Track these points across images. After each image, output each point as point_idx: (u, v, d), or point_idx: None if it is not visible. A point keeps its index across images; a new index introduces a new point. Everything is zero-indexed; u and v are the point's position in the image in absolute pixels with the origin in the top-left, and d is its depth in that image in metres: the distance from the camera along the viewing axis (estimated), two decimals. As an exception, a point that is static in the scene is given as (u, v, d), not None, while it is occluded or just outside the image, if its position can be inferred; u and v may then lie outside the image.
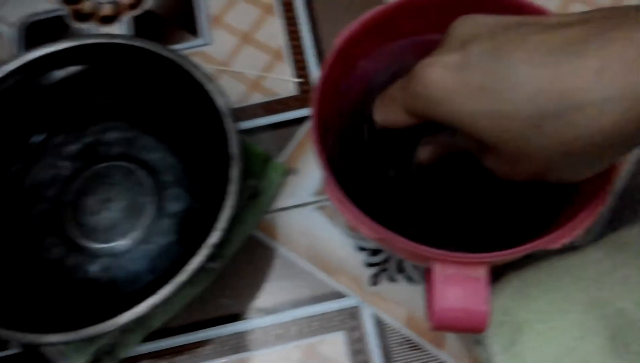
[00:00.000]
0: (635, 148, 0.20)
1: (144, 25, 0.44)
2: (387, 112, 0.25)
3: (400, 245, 0.25)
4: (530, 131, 0.19)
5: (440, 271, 0.25)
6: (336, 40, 0.29)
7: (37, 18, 0.45)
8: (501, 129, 0.20)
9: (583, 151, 0.19)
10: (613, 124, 0.18)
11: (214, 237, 0.29)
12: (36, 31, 0.45)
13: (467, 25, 0.22)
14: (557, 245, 0.25)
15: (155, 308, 0.28)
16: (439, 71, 0.21)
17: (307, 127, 0.39)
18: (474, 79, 0.20)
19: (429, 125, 0.25)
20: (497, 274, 0.32)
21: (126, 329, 0.33)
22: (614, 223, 0.34)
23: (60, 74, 0.36)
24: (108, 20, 0.45)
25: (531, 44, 0.19)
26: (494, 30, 0.21)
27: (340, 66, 0.30)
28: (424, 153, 0.29)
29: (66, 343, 0.29)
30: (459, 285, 0.25)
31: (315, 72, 0.41)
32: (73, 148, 0.38)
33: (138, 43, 0.34)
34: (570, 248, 0.33)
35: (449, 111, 0.21)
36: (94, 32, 0.44)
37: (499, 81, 0.20)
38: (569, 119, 0.19)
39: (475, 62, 0.20)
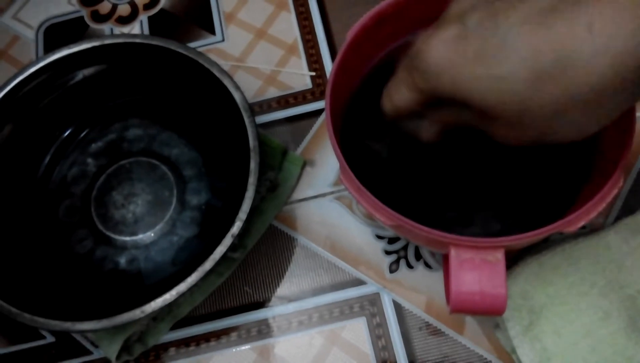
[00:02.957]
0: (631, 102, 0.20)
1: (159, 24, 0.45)
2: (392, 95, 0.26)
3: (417, 231, 0.26)
4: (529, 91, 0.20)
5: (456, 255, 0.25)
6: (348, 33, 0.30)
7: (56, 21, 0.47)
8: (500, 92, 0.21)
9: (579, 106, 0.20)
10: (604, 78, 0.19)
11: (236, 227, 0.30)
12: (55, 33, 0.46)
13: (462, 1, 0.23)
14: (573, 228, 0.25)
15: (182, 295, 0.29)
16: (438, 44, 0.22)
17: (322, 120, 0.40)
18: (472, 47, 0.21)
19: None
20: (515, 258, 0.32)
21: (155, 317, 0.34)
22: (630, 206, 0.35)
23: (83, 73, 0.37)
24: (125, 20, 0.46)
25: (525, 8, 0.20)
26: (488, 1, 0.21)
27: (355, 57, 0.31)
28: (426, 129, 0.27)
29: (99, 330, 0.30)
30: (476, 269, 0.25)
31: (329, 65, 0.42)
32: (98, 145, 0.39)
33: (157, 42, 0.35)
34: (587, 232, 0.33)
35: (449, 81, 0.22)
36: (112, 33, 0.45)
37: (496, 46, 0.20)
38: (564, 76, 0.19)
39: (472, 32, 0.21)
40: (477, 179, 0.32)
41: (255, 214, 0.36)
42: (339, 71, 0.29)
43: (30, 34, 0.46)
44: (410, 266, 0.35)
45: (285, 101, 0.41)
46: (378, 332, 0.34)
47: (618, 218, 0.33)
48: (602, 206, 0.26)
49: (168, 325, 0.35)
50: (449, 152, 0.32)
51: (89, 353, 0.36)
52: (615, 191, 0.26)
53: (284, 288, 0.36)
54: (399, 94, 0.25)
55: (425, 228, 0.26)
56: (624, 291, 0.30)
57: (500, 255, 0.25)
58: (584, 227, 0.34)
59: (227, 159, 0.36)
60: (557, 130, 0.21)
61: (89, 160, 0.39)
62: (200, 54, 0.35)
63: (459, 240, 0.25)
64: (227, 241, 0.30)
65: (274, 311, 0.35)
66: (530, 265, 0.31)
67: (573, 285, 0.30)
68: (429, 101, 0.24)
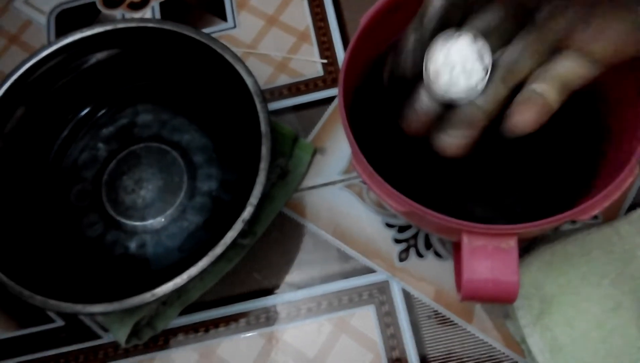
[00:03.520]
0: None
1: (170, 10, 0.45)
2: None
3: (429, 217, 0.26)
4: None
5: (468, 242, 0.25)
6: (362, 18, 0.30)
7: (67, 6, 0.46)
8: None
9: None
10: None
11: (247, 212, 0.30)
12: (67, 19, 0.46)
13: None
14: (586, 217, 0.25)
15: (192, 280, 0.29)
16: None
17: (333, 107, 0.40)
18: None
19: None
20: (527, 247, 0.32)
21: (165, 302, 0.34)
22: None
23: (96, 57, 0.37)
24: (136, 6, 0.46)
25: None
26: None
27: (369, 43, 0.30)
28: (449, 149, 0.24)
29: (110, 313, 0.30)
30: (488, 256, 0.25)
31: (340, 52, 0.41)
32: (109, 129, 0.39)
33: (169, 26, 0.35)
34: (600, 222, 0.33)
35: None
36: (125, 18, 0.45)
37: None
38: None
39: None
40: (491, 167, 0.32)
41: (266, 201, 0.36)
42: (352, 57, 0.29)
43: (42, 19, 0.46)
44: (420, 254, 0.35)
45: (296, 89, 0.41)
46: (387, 320, 0.34)
47: (632, 208, 0.33)
48: (616, 195, 0.25)
49: (177, 310, 0.35)
50: None
51: (98, 337, 0.36)
52: (629, 181, 0.25)
53: (293, 275, 0.36)
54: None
55: (438, 215, 0.25)
56: (636, 282, 0.30)
57: (513, 242, 0.25)
58: (596, 217, 0.34)
59: (238, 145, 0.36)
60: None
61: (100, 145, 0.39)
62: (212, 39, 0.34)
63: (472, 226, 0.25)
64: (237, 226, 0.30)
65: (283, 298, 0.35)
66: (542, 254, 0.31)
67: (585, 275, 0.30)
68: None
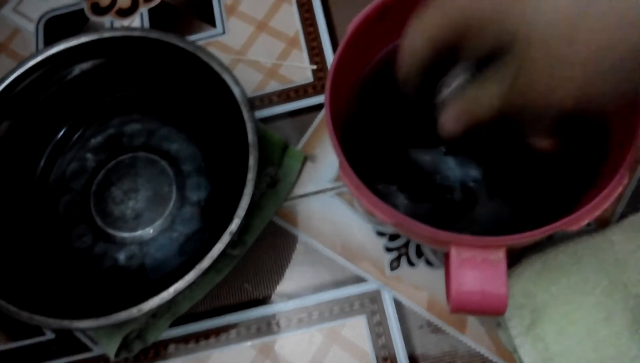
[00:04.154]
0: None
1: (159, 16, 0.45)
2: (419, 25, 0.25)
3: (417, 229, 0.26)
4: (568, 29, 0.20)
5: (457, 254, 0.25)
6: (350, 25, 0.29)
7: (56, 13, 0.46)
8: (540, 25, 0.20)
9: (616, 55, 0.20)
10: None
11: (234, 224, 0.30)
12: (55, 26, 0.46)
13: None
14: (576, 227, 0.25)
15: (180, 293, 0.29)
16: None
17: (323, 114, 0.39)
18: None
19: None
20: (518, 256, 0.32)
21: (154, 314, 0.34)
22: (636, 203, 0.34)
23: (81, 67, 0.37)
24: (125, 13, 0.45)
25: None
26: None
27: (357, 51, 0.30)
28: (448, 121, 0.26)
29: (97, 328, 0.30)
30: (476, 268, 0.25)
31: (330, 58, 0.41)
32: (97, 140, 0.39)
33: (155, 35, 0.35)
34: (592, 230, 0.33)
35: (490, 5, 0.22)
36: (112, 26, 0.45)
37: None
38: (604, 19, 0.19)
39: None
40: (480, 176, 0.31)
41: (255, 210, 0.36)
42: (339, 65, 0.29)
43: (30, 27, 0.46)
44: (411, 263, 0.35)
45: (286, 95, 0.41)
46: (378, 330, 0.34)
47: (623, 216, 0.33)
48: (606, 204, 0.25)
49: (167, 322, 0.35)
50: (453, 148, 0.31)
51: (89, 350, 0.36)
52: (619, 190, 0.25)
53: (284, 285, 0.36)
54: (427, 21, 0.24)
55: (426, 226, 0.25)
56: (628, 290, 0.30)
57: (501, 254, 0.25)
58: (588, 224, 0.34)
59: (227, 154, 0.36)
60: (592, 87, 0.21)
61: (88, 155, 0.38)
62: (199, 47, 0.34)
63: (460, 238, 0.25)
64: (225, 239, 0.30)
65: (274, 308, 0.35)
66: (533, 263, 0.31)
67: (576, 284, 0.30)
68: (457, 36, 0.23)
